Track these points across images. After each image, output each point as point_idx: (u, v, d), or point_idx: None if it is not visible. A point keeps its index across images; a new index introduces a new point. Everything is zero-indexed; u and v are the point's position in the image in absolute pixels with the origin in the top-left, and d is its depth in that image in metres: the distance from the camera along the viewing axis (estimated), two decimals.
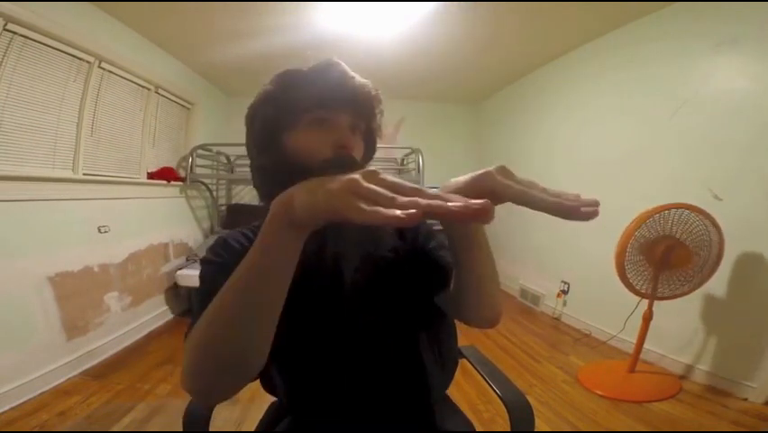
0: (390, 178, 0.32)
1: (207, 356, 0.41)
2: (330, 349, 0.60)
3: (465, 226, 0.48)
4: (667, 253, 1.67)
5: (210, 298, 0.44)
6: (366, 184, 0.30)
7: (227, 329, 0.40)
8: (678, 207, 1.65)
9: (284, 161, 0.57)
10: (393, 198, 0.29)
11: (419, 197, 0.29)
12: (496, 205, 0.31)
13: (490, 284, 0.54)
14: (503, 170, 0.39)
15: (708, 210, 1.65)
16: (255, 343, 0.41)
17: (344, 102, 0.58)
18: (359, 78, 0.59)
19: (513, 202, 0.36)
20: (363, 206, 0.29)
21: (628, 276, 1.74)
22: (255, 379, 0.51)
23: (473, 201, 0.27)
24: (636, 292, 1.78)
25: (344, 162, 0.55)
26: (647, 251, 1.71)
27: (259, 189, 0.62)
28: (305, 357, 0.62)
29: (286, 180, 0.42)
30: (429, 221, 0.66)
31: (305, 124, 0.57)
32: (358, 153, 0.60)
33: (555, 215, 0.33)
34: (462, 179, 0.41)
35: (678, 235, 1.67)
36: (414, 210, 0.27)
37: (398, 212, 0.27)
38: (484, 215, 0.27)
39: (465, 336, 2.49)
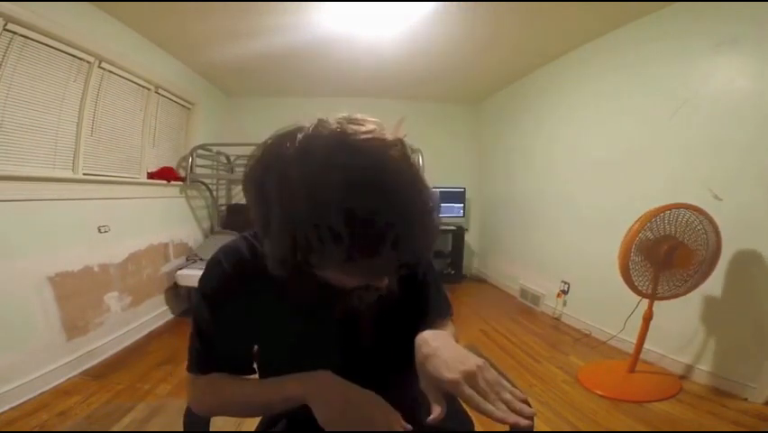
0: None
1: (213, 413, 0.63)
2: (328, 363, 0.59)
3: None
4: (670, 254, 1.66)
5: (206, 341, 0.60)
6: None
7: (234, 413, 0.61)
8: (679, 207, 1.65)
9: (304, 271, 0.44)
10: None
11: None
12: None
13: None
14: (473, 375, 0.47)
15: (708, 210, 1.64)
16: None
17: (395, 270, 0.45)
18: (422, 201, 0.41)
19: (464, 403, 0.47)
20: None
21: (632, 276, 1.74)
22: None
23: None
24: (639, 293, 1.78)
25: (368, 297, 0.53)
26: (648, 251, 1.71)
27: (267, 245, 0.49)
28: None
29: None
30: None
31: (340, 270, 0.44)
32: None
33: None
34: (439, 369, 0.49)
35: (679, 236, 1.67)
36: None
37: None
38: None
39: (465, 335, 2.49)
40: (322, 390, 0.52)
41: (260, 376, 0.67)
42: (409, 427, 0.49)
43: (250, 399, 0.59)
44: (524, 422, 0.42)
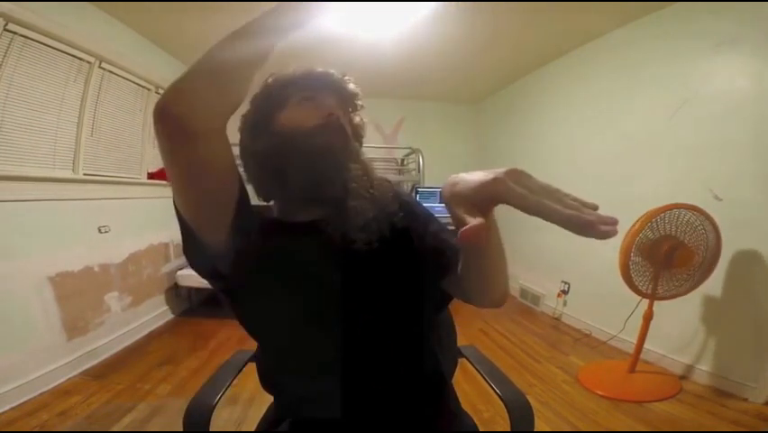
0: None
1: (203, 72, 0.50)
2: (329, 350, 0.60)
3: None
4: (670, 254, 1.67)
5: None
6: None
7: (224, 54, 0.51)
8: (679, 207, 1.65)
9: (277, 139, 0.60)
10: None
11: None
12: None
13: (499, 272, 0.53)
14: (516, 175, 0.35)
15: (708, 210, 1.65)
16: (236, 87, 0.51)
17: (329, 86, 0.64)
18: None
19: (526, 213, 0.34)
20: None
21: (632, 276, 1.75)
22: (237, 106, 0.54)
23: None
24: (639, 293, 1.78)
25: (334, 127, 0.60)
26: (649, 251, 1.71)
27: (255, 183, 0.64)
28: (305, 358, 0.62)
29: (279, 162, 0.57)
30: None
31: (294, 102, 0.62)
32: (348, 131, 0.64)
33: (571, 229, 0.32)
34: (472, 180, 0.37)
35: (680, 236, 1.67)
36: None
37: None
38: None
39: (465, 336, 2.49)
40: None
41: (261, 355, 0.69)
42: None
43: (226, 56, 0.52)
44: (612, 229, 0.31)
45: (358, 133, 0.69)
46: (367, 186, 0.62)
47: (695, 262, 1.67)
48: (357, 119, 0.69)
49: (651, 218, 1.67)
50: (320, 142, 0.59)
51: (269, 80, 0.66)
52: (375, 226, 0.60)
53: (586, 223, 0.31)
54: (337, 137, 0.61)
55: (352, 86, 0.67)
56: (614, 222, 0.31)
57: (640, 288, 1.76)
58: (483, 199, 0.36)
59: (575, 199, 0.34)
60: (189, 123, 0.46)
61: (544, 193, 0.34)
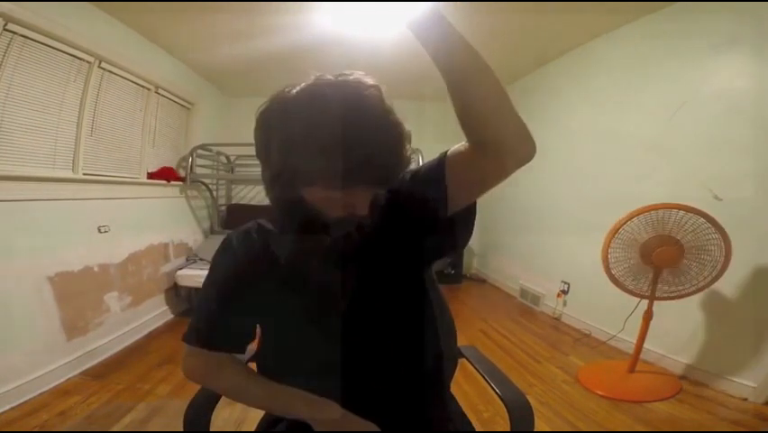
0: None
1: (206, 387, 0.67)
2: (329, 350, 0.60)
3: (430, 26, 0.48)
4: (656, 252, 1.67)
5: (207, 314, 0.63)
6: None
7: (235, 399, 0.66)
8: (672, 207, 1.65)
9: (299, 205, 0.57)
10: None
11: None
12: None
13: (489, 94, 0.48)
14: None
15: (708, 210, 1.64)
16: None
17: (367, 174, 0.51)
18: (391, 125, 0.52)
19: None
20: None
21: (617, 274, 1.77)
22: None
23: None
24: (627, 291, 1.79)
25: (347, 225, 0.58)
26: (642, 250, 1.71)
27: (271, 200, 0.63)
28: (306, 358, 0.62)
29: (299, 208, 0.57)
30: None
31: (323, 185, 0.53)
32: (364, 206, 0.56)
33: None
34: None
35: (676, 235, 1.67)
36: None
37: None
38: None
39: (465, 336, 2.49)
40: (327, 424, 0.59)
41: (260, 353, 0.69)
42: None
43: (253, 399, 0.65)
44: None
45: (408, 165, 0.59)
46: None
47: (687, 264, 1.67)
48: (408, 154, 0.56)
49: (632, 217, 1.69)
50: (337, 232, 0.59)
51: (294, 125, 0.52)
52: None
53: None
54: (356, 231, 0.60)
55: (406, 154, 0.55)
56: None
57: (628, 286, 1.77)
58: None
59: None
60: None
61: None
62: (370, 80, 0.53)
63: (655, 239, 1.69)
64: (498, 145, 0.51)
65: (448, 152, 0.59)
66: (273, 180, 0.58)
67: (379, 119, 0.51)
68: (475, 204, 0.64)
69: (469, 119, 0.51)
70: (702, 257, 1.66)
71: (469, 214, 0.63)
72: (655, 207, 1.66)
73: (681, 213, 1.64)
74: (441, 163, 0.59)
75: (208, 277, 0.65)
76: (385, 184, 0.56)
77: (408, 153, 0.55)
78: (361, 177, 0.51)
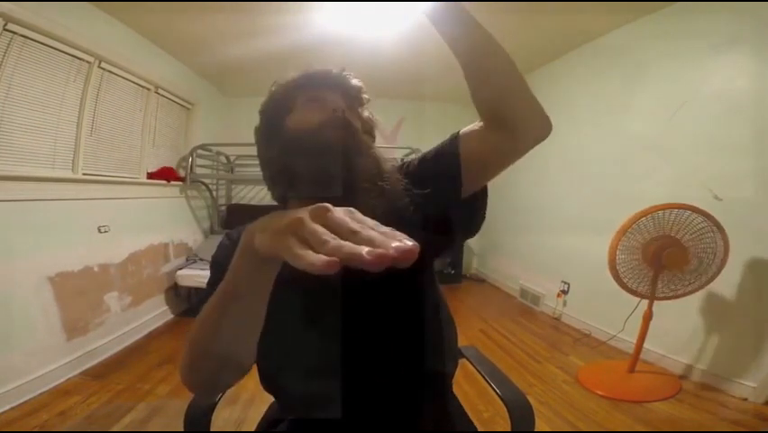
0: (340, 215, 0.28)
1: (199, 353, 0.46)
2: (330, 350, 0.60)
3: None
4: (659, 253, 1.67)
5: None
6: (310, 225, 0.27)
7: (213, 333, 0.44)
8: (673, 207, 1.65)
9: (285, 142, 0.60)
10: (325, 243, 0.26)
11: (353, 239, 0.26)
12: None
13: (503, 77, 0.51)
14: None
15: (709, 210, 1.64)
16: (239, 346, 0.46)
17: (332, 84, 0.63)
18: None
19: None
20: (298, 249, 0.26)
21: (620, 274, 1.76)
22: (246, 373, 0.53)
23: (398, 244, 0.24)
24: (631, 291, 1.79)
25: (338, 123, 0.58)
26: (644, 250, 1.71)
27: (270, 189, 0.66)
28: (306, 358, 0.62)
29: (288, 162, 0.58)
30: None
31: (299, 104, 0.62)
32: (355, 124, 0.62)
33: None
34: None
35: (676, 235, 1.67)
36: (334, 258, 0.24)
37: (315, 259, 0.25)
38: (404, 259, 0.24)
39: (465, 336, 2.49)
40: (256, 223, 0.41)
41: (258, 352, 0.68)
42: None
43: (215, 296, 0.46)
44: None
45: (368, 126, 0.68)
46: (377, 180, 0.61)
47: (695, 264, 1.67)
48: (365, 113, 0.67)
49: (638, 218, 1.68)
50: (325, 137, 0.58)
51: (273, 88, 0.66)
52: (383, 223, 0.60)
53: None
54: (342, 132, 0.60)
55: (354, 81, 0.66)
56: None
57: (634, 288, 1.77)
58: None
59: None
60: (204, 393, 0.62)
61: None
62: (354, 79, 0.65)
63: (656, 239, 1.69)
64: (514, 122, 0.51)
65: (460, 132, 0.60)
66: (266, 143, 0.64)
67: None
68: (486, 189, 0.64)
69: (485, 96, 0.52)
70: (702, 257, 1.66)
71: (482, 195, 0.64)
72: (658, 208, 1.66)
73: (682, 213, 1.64)
74: (454, 140, 0.59)
75: (209, 279, 0.65)
76: (356, 99, 0.65)
77: (366, 114, 0.66)
78: (331, 82, 0.63)
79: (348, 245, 0.25)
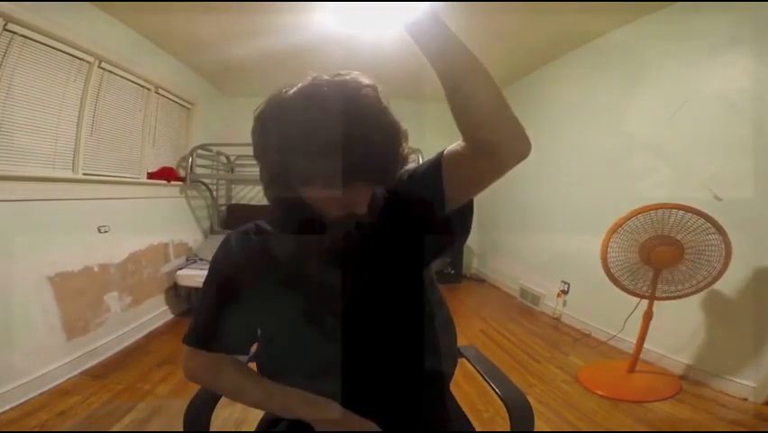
0: None
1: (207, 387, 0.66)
2: (329, 350, 0.60)
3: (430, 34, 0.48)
4: (659, 253, 1.67)
5: (207, 316, 0.63)
6: None
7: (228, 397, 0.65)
8: (672, 207, 1.65)
9: (298, 203, 0.58)
10: None
11: None
12: None
13: (484, 95, 0.49)
14: None
15: (708, 210, 1.64)
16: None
17: (367, 170, 0.53)
18: (389, 124, 0.55)
19: None
20: None
21: (618, 273, 1.77)
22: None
23: None
24: (630, 291, 1.79)
25: (346, 225, 0.59)
26: (642, 250, 1.71)
27: (270, 200, 0.64)
28: (306, 358, 0.62)
29: (297, 208, 0.58)
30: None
31: (322, 184, 0.54)
32: (365, 202, 0.57)
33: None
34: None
35: (676, 235, 1.67)
36: None
37: None
38: None
39: (465, 336, 2.49)
40: (328, 424, 0.58)
41: (262, 355, 0.69)
42: None
43: (252, 400, 0.63)
44: None
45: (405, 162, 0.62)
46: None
47: (692, 264, 1.67)
48: (405, 152, 0.59)
49: (630, 217, 1.69)
50: (336, 232, 0.60)
51: (286, 128, 0.53)
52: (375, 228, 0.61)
53: None
54: (355, 230, 0.60)
55: (404, 152, 0.58)
56: None
57: (629, 286, 1.77)
58: None
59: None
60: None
61: None
62: (366, 80, 0.55)
63: (655, 239, 1.69)
64: (494, 145, 0.51)
65: (444, 152, 0.59)
66: (271, 181, 0.59)
67: (376, 117, 0.53)
68: (472, 202, 0.64)
69: (465, 120, 0.51)
70: (702, 257, 1.66)
71: (466, 211, 0.63)
72: (655, 207, 1.66)
73: (681, 213, 1.64)
74: (438, 162, 0.59)
75: (207, 279, 0.66)
76: (383, 182, 0.58)
77: (405, 152, 0.58)
78: (360, 175, 0.52)
79: None
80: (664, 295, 1.77)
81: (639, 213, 1.68)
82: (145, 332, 2.47)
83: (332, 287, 0.61)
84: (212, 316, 0.63)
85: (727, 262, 1.61)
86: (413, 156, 0.59)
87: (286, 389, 0.61)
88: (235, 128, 3.75)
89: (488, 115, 0.50)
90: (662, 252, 1.66)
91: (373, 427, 0.58)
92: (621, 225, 1.71)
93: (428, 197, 0.59)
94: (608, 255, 1.77)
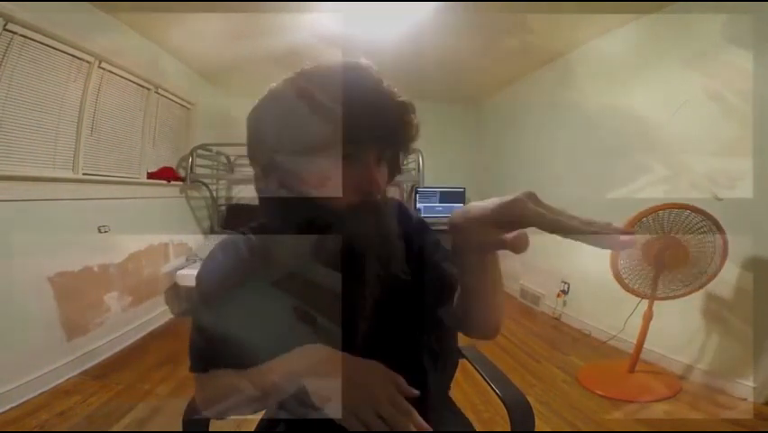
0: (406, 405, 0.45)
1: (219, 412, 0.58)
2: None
3: (481, 255, 0.47)
4: (660, 253, 1.67)
5: (203, 338, 0.59)
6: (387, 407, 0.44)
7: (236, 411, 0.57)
8: (673, 207, 1.65)
9: (297, 201, 0.52)
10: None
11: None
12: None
13: (496, 305, 0.54)
14: (533, 197, 0.38)
15: (709, 210, 1.64)
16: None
17: (376, 133, 0.50)
18: (391, 93, 0.53)
19: (544, 230, 0.37)
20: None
21: (623, 276, 1.76)
22: None
23: None
24: (631, 291, 1.79)
25: (370, 209, 0.54)
26: (645, 250, 1.71)
27: (261, 203, 0.60)
28: None
29: (297, 207, 0.53)
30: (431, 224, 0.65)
31: (330, 157, 0.49)
32: (382, 183, 0.55)
33: (591, 244, 0.33)
34: (489, 204, 0.41)
35: (677, 235, 1.67)
36: None
37: None
38: None
39: (465, 336, 2.49)
40: (319, 365, 0.51)
41: (259, 350, 0.67)
42: (415, 392, 0.48)
43: (246, 393, 0.56)
44: (629, 240, 0.32)
45: (395, 171, 0.61)
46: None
47: (695, 264, 1.67)
48: (404, 151, 0.59)
49: (641, 218, 1.67)
50: (351, 229, 0.52)
51: (301, 82, 0.52)
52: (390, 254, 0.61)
53: (606, 239, 0.32)
54: (373, 217, 0.54)
55: (407, 115, 0.54)
56: (630, 234, 0.32)
57: (635, 288, 1.77)
58: (504, 221, 0.40)
59: (586, 219, 0.35)
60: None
61: (557, 213, 0.36)
62: (363, 61, 0.56)
63: (656, 239, 1.69)
64: (480, 336, 0.61)
65: (448, 273, 0.61)
66: (265, 172, 0.54)
67: (382, 87, 0.53)
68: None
69: (472, 321, 0.57)
70: (702, 257, 1.66)
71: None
72: (659, 208, 1.66)
73: (681, 213, 1.64)
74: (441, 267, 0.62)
75: (198, 296, 0.61)
76: (399, 148, 0.57)
77: (416, 122, 0.56)
78: (369, 137, 0.49)
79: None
80: (664, 295, 1.77)
81: (647, 215, 1.66)
82: (145, 332, 2.47)
83: (332, 286, 0.60)
84: (208, 337, 0.59)
85: (723, 261, 1.61)
86: (412, 156, 0.58)
87: (265, 364, 0.55)
88: (235, 128, 3.75)
89: (488, 325, 0.58)
90: (664, 252, 1.66)
91: (382, 371, 0.52)
92: (633, 227, 1.69)
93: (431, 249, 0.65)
94: (620, 254, 1.75)
